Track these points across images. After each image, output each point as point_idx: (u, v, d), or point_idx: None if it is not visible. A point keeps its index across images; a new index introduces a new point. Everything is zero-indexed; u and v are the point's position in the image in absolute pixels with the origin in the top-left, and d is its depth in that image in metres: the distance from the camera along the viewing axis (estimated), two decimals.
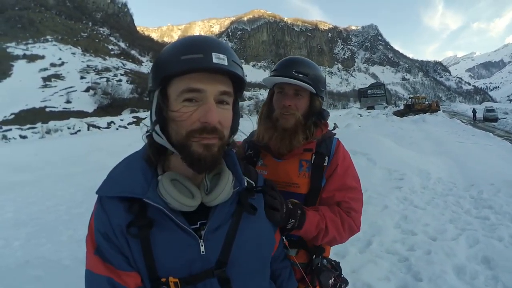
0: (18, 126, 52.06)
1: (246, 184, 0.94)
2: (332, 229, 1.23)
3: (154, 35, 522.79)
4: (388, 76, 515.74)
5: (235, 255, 0.86)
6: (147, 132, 0.88)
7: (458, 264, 3.17)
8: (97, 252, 0.81)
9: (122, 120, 59.76)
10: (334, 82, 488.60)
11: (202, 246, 0.82)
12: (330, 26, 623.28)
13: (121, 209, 0.81)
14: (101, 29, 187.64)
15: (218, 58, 0.76)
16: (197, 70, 0.76)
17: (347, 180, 1.34)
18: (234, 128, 0.91)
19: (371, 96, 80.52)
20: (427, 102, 44.34)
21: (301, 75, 1.32)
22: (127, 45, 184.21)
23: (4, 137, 41.88)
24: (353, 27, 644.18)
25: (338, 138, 1.45)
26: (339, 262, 1.43)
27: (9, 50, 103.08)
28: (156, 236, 0.80)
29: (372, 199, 5.25)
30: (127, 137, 17.23)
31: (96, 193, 0.83)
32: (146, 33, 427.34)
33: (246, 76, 0.91)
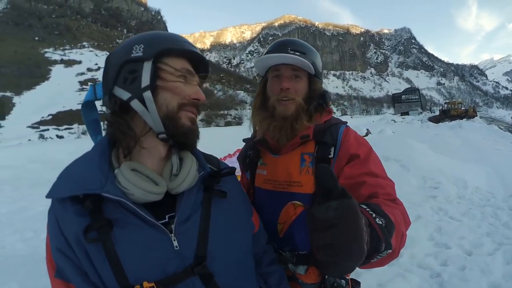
0: (55, 127, 55.55)
1: (209, 170, 0.89)
2: (403, 229, 0.84)
3: None
4: (422, 80, 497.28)
5: (213, 246, 0.81)
6: (109, 114, 0.81)
7: (494, 283, 2.92)
8: (58, 275, 0.74)
9: None
10: (367, 87, 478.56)
11: (174, 240, 0.76)
12: (362, 30, 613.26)
13: (74, 213, 0.72)
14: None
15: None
16: (191, 54, 0.84)
17: (372, 166, 1.05)
18: None
19: (405, 102, 78.02)
20: (464, 108, 42.11)
21: (298, 53, 1.16)
22: None
23: (41, 136, 44.49)
24: (386, 31, 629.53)
25: (348, 126, 1.21)
26: (359, 282, 1.23)
27: (47, 55, 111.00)
28: (119, 238, 0.72)
29: (405, 208, 5.02)
30: None
31: (46, 196, 0.74)
32: None
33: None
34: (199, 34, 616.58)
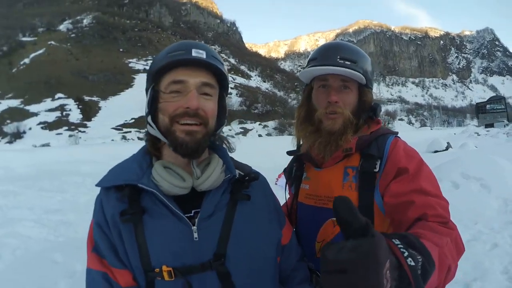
0: (137, 129, 60.36)
1: (237, 176, 0.94)
2: (451, 261, 0.76)
3: (262, 51, 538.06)
4: (509, 88, 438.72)
5: (233, 247, 0.85)
6: (147, 131, 0.96)
7: None
8: (94, 250, 0.85)
9: (230, 130, 64.95)
10: (449, 95, 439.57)
11: (195, 232, 0.83)
12: (442, 33, 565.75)
13: (115, 199, 0.84)
14: (212, 46, 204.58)
15: (197, 53, 0.85)
16: (179, 63, 0.85)
17: (422, 182, 0.94)
18: (221, 120, 0.97)
19: (490, 112, 71.29)
20: None
21: (348, 62, 1.06)
22: (237, 61, 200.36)
23: (124, 137, 48.62)
24: (467, 32, 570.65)
25: (397, 136, 1.11)
26: None
27: (130, 65, 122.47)
28: (148, 224, 0.82)
29: (481, 234, 4.54)
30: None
31: (96, 185, 0.88)
32: (254, 49, 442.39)
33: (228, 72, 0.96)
34: (273, 44, 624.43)
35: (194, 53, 0.85)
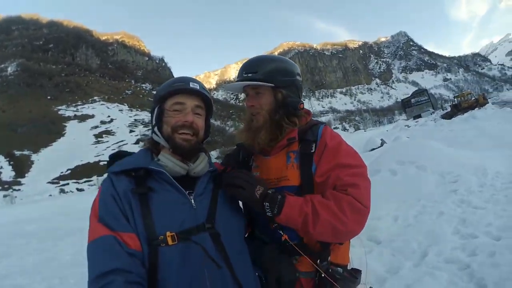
0: (74, 180, 56.02)
1: (215, 168, 1.32)
2: (323, 212, 1.10)
3: None
4: (428, 80, 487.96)
5: (219, 216, 1.15)
6: (148, 136, 1.31)
7: None
8: (101, 220, 1.03)
9: None
10: (375, 98, 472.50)
11: (193, 201, 1.12)
12: (360, 43, 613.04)
13: (126, 180, 1.10)
14: (143, 85, 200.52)
15: (193, 85, 1.23)
16: (180, 91, 1.22)
17: (340, 158, 1.23)
18: (206, 133, 1.32)
19: (416, 105, 77.09)
20: (474, 98, 41.33)
21: (250, 74, 1.32)
22: None
23: (62, 191, 45.07)
24: (383, 39, 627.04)
25: (326, 124, 1.37)
26: (360, 271, 1.29)
27: (60, 112, 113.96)
28: (154, 198, 1.08)
29: (426, 207, 4.81)
30: None
31: (106, 171, 1.16)
32: None
33: (212, 99, 1.34)
34: (204, 75, 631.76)
35: (191, 85, 1.22)
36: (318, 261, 1.20)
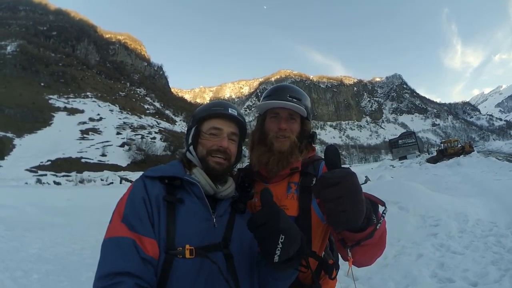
0: (53, 173, 53.88)
1: (237, 194, 1.31)
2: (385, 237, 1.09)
3: (188, 96, 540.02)
4: (417, 123, 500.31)
5: (234, 236, 1.16)
6: (183, 153, 1.35)
7: None
8: (124, 220, 1.03)
9: None
10: (364, 135, 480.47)
11: (215, 220, 1.14)
12: (355, 80, 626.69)
13: (160, 186, 1.12)
14: (138, 89, 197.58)
15: (232, 111, 1.28)
16: (219, 115, 1.27)
17: None
18: (238, 157, 1.36)
19: (403, 146, 78.88)
20: (460, 145, 42.43)
21: (295, 99, 1.39)
22: (162, 105, 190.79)
23: (39, 181, 43.30)
24: (378, 79, 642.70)
25: None
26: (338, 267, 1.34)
27: (51, 101, 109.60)
28: (181, 209, 1.09)
29: (406, 248, 4.89)
30: None
31: (142, 175, 1.17)
32: (180, 94, 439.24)
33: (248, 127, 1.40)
34: (199, 90, 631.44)
35: (230, 111, 1.27)
36: None
